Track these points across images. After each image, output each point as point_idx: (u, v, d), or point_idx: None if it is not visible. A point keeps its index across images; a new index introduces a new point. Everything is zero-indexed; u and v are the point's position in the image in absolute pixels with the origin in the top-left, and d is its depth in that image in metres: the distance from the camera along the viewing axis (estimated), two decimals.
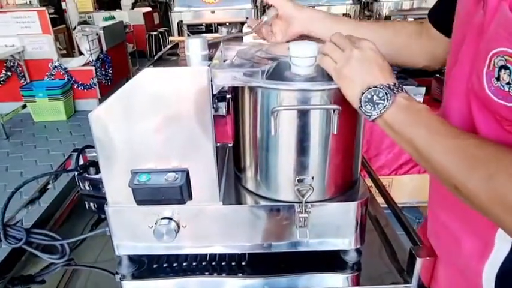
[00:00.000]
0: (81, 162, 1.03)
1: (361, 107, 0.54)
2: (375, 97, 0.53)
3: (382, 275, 0.74)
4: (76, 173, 1.00)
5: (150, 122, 0.61)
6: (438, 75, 2.10)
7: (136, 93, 0.60)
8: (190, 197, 0.65)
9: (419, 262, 0.65)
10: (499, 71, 0.43)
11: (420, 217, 2.37)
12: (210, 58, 0.66)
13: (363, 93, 0.54)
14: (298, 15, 0.79)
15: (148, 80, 0.59)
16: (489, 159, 0.44)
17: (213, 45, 0.80)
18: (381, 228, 0.86)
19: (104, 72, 4.81)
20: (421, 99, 1.99)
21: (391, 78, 0.55)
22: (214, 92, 0.61)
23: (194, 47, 0.65)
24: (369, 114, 0.54)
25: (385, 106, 0.53)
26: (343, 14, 3.77)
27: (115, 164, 0.64)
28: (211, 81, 0.60)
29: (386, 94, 0.53)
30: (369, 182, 0.99)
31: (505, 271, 0.53)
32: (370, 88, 0.54)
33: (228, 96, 0.72)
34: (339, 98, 0.59)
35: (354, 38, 0.60)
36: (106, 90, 4.70)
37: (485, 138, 0.48)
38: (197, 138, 0.62)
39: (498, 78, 0.44)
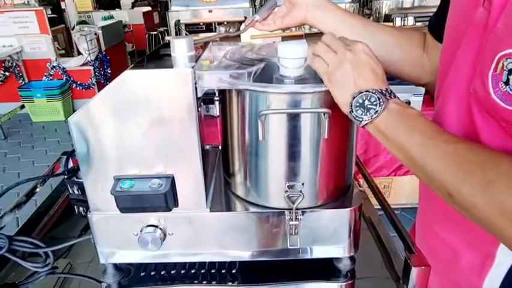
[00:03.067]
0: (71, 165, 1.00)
1: (352, 111, 0.52)
2: (366, 102, 0.51)
3: (377, 283, 0.72)
4: (65, 177, 0.97)
5: (133, 126, 0.59)
6: None
7: (117, 96, 0.57)
8: (175, 204, 0.62)
9: (414, 271, 0.62)
10: (509, 74, 0.40)
11: None
12: (197, 59, 0.64)
13: (354, 98, 0.52)
14: None
15: (130, 82, 0.56)
16: (486, 165, 0.42)
17: (206, 45, 0.77)
18: (376, 232, 0.84)
19: (102, 72, 4.79)
20: (420, 98, 1.96)
21: (383, 83, 0.53)
22: (199, 95, 0.59)
23: (180, 47, 0.62)
24: (360, 120, 0.51)
25: (376, 111, 0.50)
26: None
27: (97, 170, 0.62)
28: (196, 83, 0.57)
29: (379, 99, 0.50)
30: (365, 185, 0.96)
31: (507, 286, 0.50)
32: (362, 92, 0.51)
33: (216, 98, 0.69)
34: (330, 101, 0.56)
35: (348, 40, 0.57)
36: None
37: (481, 144, 0.45)
38: (182, 143, 0.60)
39: (507, 83, 0.41)
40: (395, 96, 0.51)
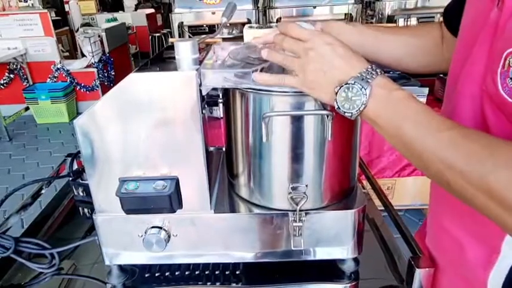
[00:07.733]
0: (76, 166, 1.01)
1: (339, 108, 0.50)
2: (349, 94, 0.49)
3: (381, 285, 0.71)
4: (70, 179, 0.98)
5: (138, 128, 0.59)
6: (442, 75, 2.07)
7: (122, 99, 0.58)
8: (180, 205, 0.63)
9: (418, 273, 0.62)
10: None
11: (423, 219, 2.34)
12: (201, 62, 0.64)
13: (336, 93, 0.50)
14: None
15: (134, 85, 0.57)
16: (485, 153, 0.41)
17: (208, 47, 0.78)
18: (379, 233, 0.84)
19: (106, 74, 4.81)
20: (424, 99, 1.96)
21: (359, 64, 0.50)
22: (204, 93, 0.59)
23: (183, 50, 0.62)
24: (350, 114, 0.50)
25: (362, 102, 0.48)
26: (345, 14, 3.73)
27: (102, 171, 0.62)
28: (200, 83, 0.57)
29: (361, 89, 0.48)
30: (368, 186, 0.96)
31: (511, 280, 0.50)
32: (342, 86, 0.49)
33: (219, 100, 0.70)
34: None
35: (304, 36, 0.53)
36: None
37: (475, 130, 0.45)
38: (187, 145, 0.60)
39: None
40: (377, 74, 0.49)
